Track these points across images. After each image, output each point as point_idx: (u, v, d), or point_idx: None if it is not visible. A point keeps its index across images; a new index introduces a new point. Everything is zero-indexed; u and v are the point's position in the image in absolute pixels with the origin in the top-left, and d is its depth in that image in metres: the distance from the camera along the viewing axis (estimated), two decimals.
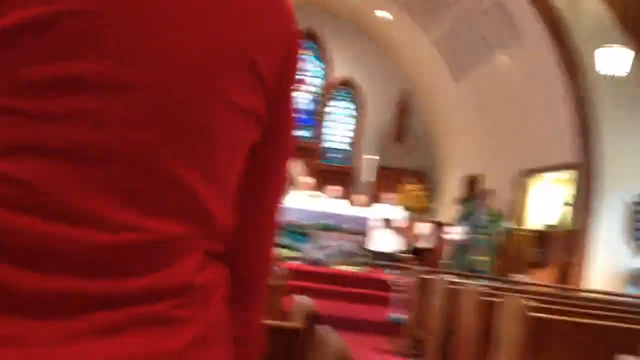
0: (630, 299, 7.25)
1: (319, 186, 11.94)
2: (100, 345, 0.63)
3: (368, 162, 14.54)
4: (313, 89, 16.18)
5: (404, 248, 11.53)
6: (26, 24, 0.63)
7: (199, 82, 0.70)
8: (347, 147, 16.36)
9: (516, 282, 8.16)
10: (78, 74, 0.64)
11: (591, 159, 9.19)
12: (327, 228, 9.85)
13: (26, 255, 0.62)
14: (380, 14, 13.08)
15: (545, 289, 7.41)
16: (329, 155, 16.21)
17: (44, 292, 0.62)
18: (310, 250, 9.70)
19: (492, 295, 4.51)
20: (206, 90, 0.71)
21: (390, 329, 7.31)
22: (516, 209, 11.24)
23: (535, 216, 11.28)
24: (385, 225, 11.35)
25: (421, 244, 12.67)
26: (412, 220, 12.36)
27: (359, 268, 9.79)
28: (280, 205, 0.90)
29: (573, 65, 9.23)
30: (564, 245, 9.45)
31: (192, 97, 0.70)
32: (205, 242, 0.74)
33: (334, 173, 15.19)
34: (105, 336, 0.64)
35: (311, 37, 15.81)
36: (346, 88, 16.34)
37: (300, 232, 9.68)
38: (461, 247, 9.54)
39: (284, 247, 9.39)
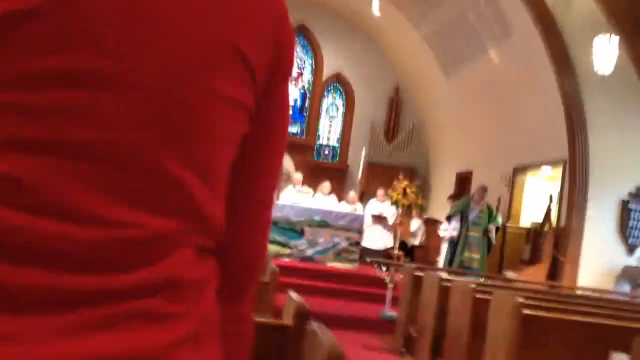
0: (621, 297, 7.30)
1: (310, 182, 11.96)
2: (92, 341, 0.62)
3: (359, 159, 14.56)
4: (305, 84, 16.17)
5: (395, 245, 11.58)
6: (17, 15, 0.62)
7: (186, 73, 0.69)
8: (338, 144, 16.36)
9: (508, 279, 8.19)
10: (71, 68, 0.64)
11: (582, 156, 9.23)
12: (318, 225, 9.86)
13: (17, 252, 0.62)
14: (372, 9, 13.09)
15: (537, 286, 7.44)
16: (320, 151, 16.21)
17: (35, 289, 0.62)
18: (301, 247, 9.72)
19: (484, 292, 4.52)
20: (194, 81, 0.70)
21: (382, 326, 7.33)
22: (509, 206, 11.28)
23: (527, 213, 11.33)
24: (376, 222, 11.40)
25: (413, 241, 12.74)
26: (403, 216, 12.40)
27: (350, 265, 9.82)
28: (272, 200, 0.90)
29: (563, 60, 9.27)
30: (555, 242, 9.49)
31: (186, 91, 0.69)
32: (197, 238, 0.74)
33: (325, 169, 15.19)
34: (98, 332, 0.63)
35: (302, 32, 15.81)
36: (337, 84, 16.34)
37: (291, 229, 9.69)
38: (454, 245, 9.57)
39: (276, 243, 9.41)
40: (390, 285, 7.69)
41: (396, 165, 15.15)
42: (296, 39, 15.46)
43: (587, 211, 9.21)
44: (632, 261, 9.12)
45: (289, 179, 10.16)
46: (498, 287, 5.05)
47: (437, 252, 10.95)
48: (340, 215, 10.17)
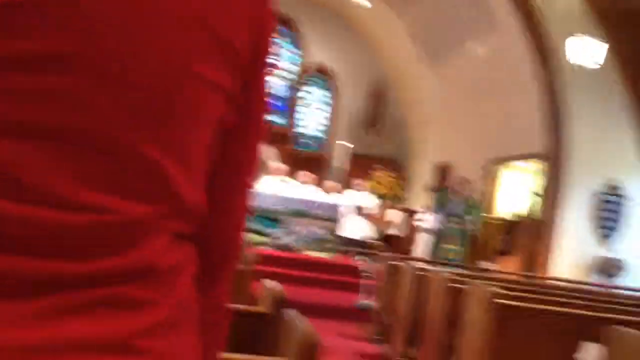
0: (595, 288, 7.39)
1: (291, 172, 11.92)
2: (62, 327, 0.62)
3: (341, 149, 14.55)
4: (287, 74, 16.10)
5: (374, 235, 11.59)
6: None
7: (158, 54, 0.69)
8: (320, 134, 16.33)
9: (484, 270, 8.25)
10: (44, 52, 0.63)
11: (559, 149, 9.31)
12: (297, 214, 9.85)
13: None
14: (357, 1, 13.06)
15: (512, 277, 7.51)
16: (301, 141, 16.15)
17: (4, 274, 0.61)
18: (280, 235, 9.71)
19: (459, 282, 4.56)
20: (167, 63, 0.70)
21: (358, 315, 7.35)
22: (486, 197, 11.35)
23: (505, 204, 11.41)
24: (356, 212, 11.40)
25: (392, 231, 12.76)
26: (383, 207, 12.43)
27: (329, 254, 9.83)
28: (252, 186, 0.90)
29: (545, 55, 9.33)
30: (531, 233, 9.57)
31: (165, 75, 0.69)
32: (173, 223, 0.73)
33: (306, 159, 15.15)
34: (68, 318, 0.63)
35: (287, 22, 15.71)
36: (321, 74, 16.29)
37: (270, 218, 9.67)
38: (435, 237, 9.61)
39: (254, 232, 9.38)
40: (367, 275, 7.71)
41: (376, 156, 15.17)
42: (279, 28, 15.35)
43: (563, 203, 9.30)
44: (605, 253, 9.24)
45: (265, 168, 10.12)
46: (473, 277, 5.08)
47: (413, 242, 10.99)
48: (321, 205, 10.17)
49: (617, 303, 4.51)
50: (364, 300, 7.61)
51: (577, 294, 5.06)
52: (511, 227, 10.45)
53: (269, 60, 0.86)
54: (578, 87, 9.12)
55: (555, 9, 9.13)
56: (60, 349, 0.61)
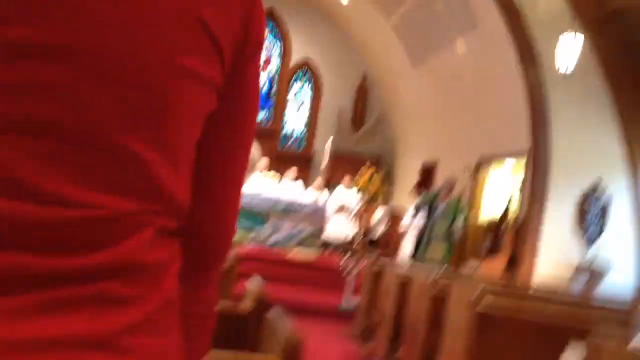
0: (577, 289, 7.44)
1: (275, 169, 11.92)
2: (43, 324, 0.61)
3: (325, 146, 14.57)
4: (271, 70, 16.07)
5: (359, 234, 11.62)
6: None
7: (151, 49, 0.68)
8: (304, 131, 16.31)
9: (468, 271, 8.29)
10: (23, 40, 0.62)
11: (543, 149, 9.34)
12: (282, 212, 9.85)
13: None
14: None
15: (495, 278, 7.54)
16: (285, 138, 16.14)
17: None
18: (264, 234, 9.70)
19: (443, 283, 4.57)
20: (159, 57, 0.69)
21: (342, 314, 7.36)
22: (471, 197, 11.38)
23: (489, 205, 11.45)
24: (340, 211, 11.42)
25: (376, 230, 12.79)
26: (367, 205, 12.44)
27: (312, 253, 9.83)
28: (242, 183, 0.89)
29: (528, 54, 9.36)
30: (515, 234, 9.62)
31: (145, 65, 0.68)
32: (158, 218, 0.73)
33: (290, 156, 15.14)
34: (50, 315, 0.62)
35: (270, 17, 15.67)
36: (304, 71, 16.27)
37: (255, 216, 9.66)
38: (420, 237, 9.61)
39: (239, 229, 9.37)
40: (351, 274, 7.72)
41: (362, 154, 15.20)
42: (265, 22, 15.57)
43: (547, 204, 9.35)
44: (589, 253, 9.31)
45: (253, 167, 10.13)
46: (457, 278, 5.10)
47: (398, 242, 11.01)
48: (305, 203, 10.18)
49: (599, 307, 4.55)
50: (348, 300, 7.62)
51: (561, 297, 5.10)
52: (495, 227, 10.49)
53: (260, 57, 0.86)
54: (562, 87, 9.16)
55: (538, 8, 9.18)
56: (41, 346, 0.60)
